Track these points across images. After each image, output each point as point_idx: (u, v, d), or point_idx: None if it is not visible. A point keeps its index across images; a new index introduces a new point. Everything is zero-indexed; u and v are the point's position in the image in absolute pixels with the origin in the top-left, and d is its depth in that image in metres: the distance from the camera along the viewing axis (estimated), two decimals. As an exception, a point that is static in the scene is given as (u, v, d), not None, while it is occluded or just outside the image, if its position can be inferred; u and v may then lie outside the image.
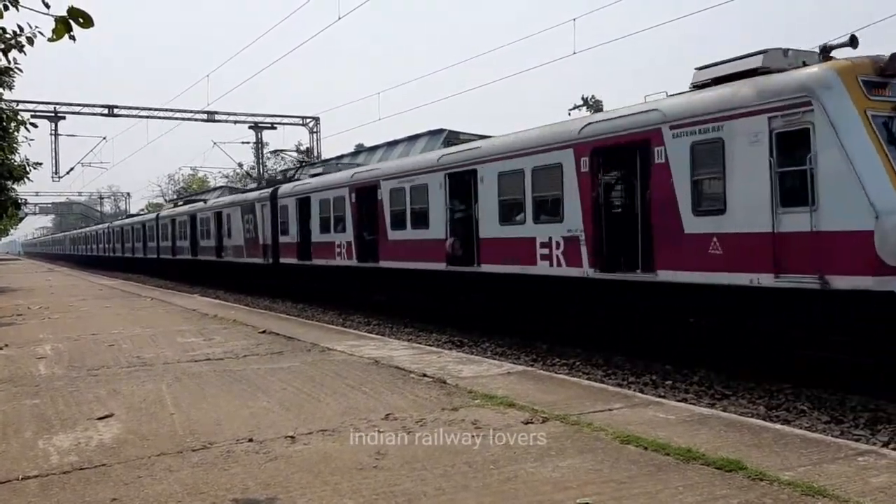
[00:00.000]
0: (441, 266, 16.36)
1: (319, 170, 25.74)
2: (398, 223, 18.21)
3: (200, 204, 37.16)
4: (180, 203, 44.42)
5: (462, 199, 16.46)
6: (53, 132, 43.72)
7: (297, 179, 26.87)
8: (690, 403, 8.27)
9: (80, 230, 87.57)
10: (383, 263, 18.87)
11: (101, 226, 70.95)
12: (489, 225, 14.94)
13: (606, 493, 4.61)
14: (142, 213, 65.22)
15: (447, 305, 17.18)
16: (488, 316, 15.67)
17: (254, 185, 31.82)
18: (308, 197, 23.29)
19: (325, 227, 22.12)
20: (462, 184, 16.14)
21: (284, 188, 25.76)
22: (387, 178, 18.82)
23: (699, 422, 6.36)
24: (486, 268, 15.08)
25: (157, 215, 45.08)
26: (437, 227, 16.57)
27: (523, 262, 13.84)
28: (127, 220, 57.81)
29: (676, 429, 6.10)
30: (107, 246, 63.14)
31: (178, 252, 39.11)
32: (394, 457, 5.46)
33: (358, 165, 24.90)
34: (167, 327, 14.58)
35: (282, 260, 25.25)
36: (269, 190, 26.77)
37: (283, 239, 25.22)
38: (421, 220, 17.19)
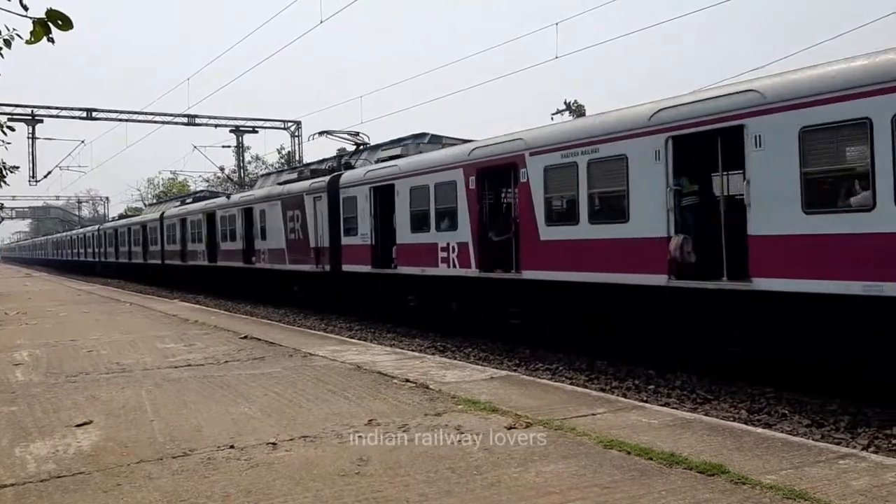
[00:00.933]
0: (657, 279, 10.81)
1: (396, 150, 19.81)
2: (560, 215, 12.83)
3: (221, 199, 30.90)
4: (189, 200, 38.18)
5: (698, 174, 11.42)
6: (31, 135, 43.30)
7: (351, 167, 21.89)
8: (673, 408, 8.31)
9: (66, 233, 78.37)
10: (530, 274, 13.31)
11: (90, 228, 63.15)
12: (778, 213, 9.28)
13: (590, 498, 4.61)
14: (130, 214, 59.14)
15: (676, 348, 11.17)
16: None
17: (293, 176, 25.33)
18: (391, 184, 17.59)
19: (419, 224, 16.52)
20: (700, 152, 10.87)
21: (350, 175, 20.10)
22: (537, 152, 13.06)
23: (682, 426, 6.39)
24: (774, 284, 9.35)
25: (163, 214, 38.55)
26: (648, 220, 10.98)
27: (877, 275, 8.25)
28: (122, 221, 50.77)
29: (659, 433, 6.12)
30: (97, 250, 56.33)
31: (189, 257, 33.49)
32: (376, 463, 5.42)
33: (439, 146, 18.85)
34: (147, 333, 14.42)
35: (344, 267, 19.86)
36: (326, 178, 21.12)
37: (346, 240, 19.75)
38: (610, 209, 11.78)
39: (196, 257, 32.60)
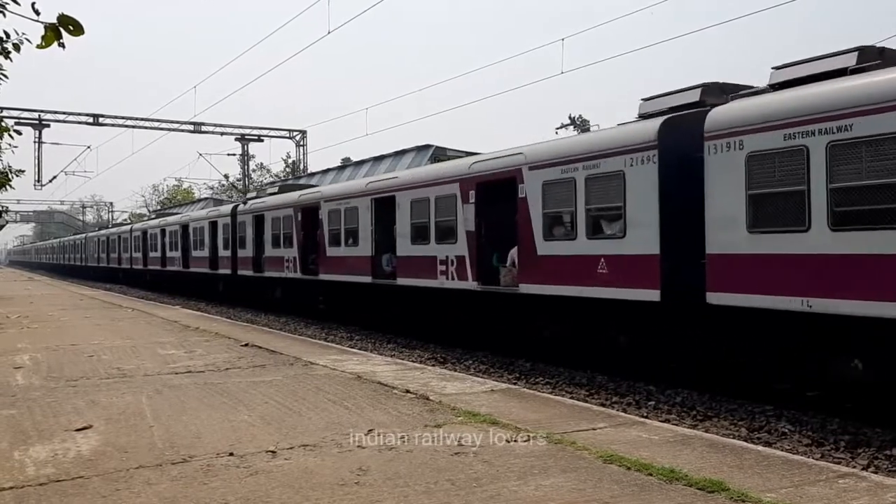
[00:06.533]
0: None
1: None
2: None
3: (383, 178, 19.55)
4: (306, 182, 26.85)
5: None
6: (37, 140, 43.48)
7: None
8: (673, 424, 8.29)
9: (104, 230, 58.76)
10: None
11: (136, 225, 46.94)
12: None
13: (589, 513, 4.59)
14: (184, 206, 46.35)
15: None
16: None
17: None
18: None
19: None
20: None
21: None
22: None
23: (682, 442, 6.37)
24: None
25: (264, 204, 26.10)
26: None
27: None
28: (180, 217, 37.09)
29: (660, 449, 6.10)
30: (135, 255, 43.48)
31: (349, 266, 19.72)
32: (376, 473, 5.41)
33: None
34: (148, 339, 14.43)
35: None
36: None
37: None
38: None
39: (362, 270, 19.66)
